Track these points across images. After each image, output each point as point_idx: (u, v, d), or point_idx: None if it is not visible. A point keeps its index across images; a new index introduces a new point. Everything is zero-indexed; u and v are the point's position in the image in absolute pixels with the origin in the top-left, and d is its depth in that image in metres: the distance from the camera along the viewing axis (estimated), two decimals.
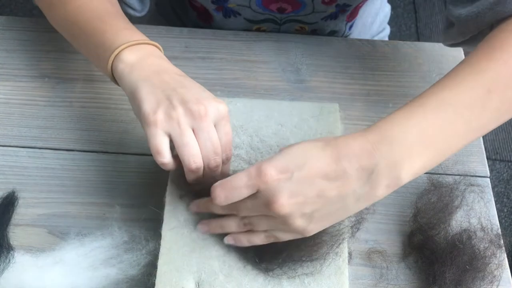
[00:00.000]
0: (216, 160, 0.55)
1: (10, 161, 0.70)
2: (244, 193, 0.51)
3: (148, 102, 0.54)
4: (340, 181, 0.49)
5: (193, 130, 0.54)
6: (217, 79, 0.79)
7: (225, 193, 0.51)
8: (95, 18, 0.64)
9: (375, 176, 0.49)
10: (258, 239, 0.55)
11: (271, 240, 0.54)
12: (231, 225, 0.56)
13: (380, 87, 0.79)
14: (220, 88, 0.78)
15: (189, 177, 0.56)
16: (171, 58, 0.81)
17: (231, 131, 0.56)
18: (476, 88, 0.52)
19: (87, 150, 0.72)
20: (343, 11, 0.86)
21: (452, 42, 0.70)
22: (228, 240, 0.56)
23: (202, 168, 0.55)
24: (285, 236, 0.53)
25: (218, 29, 0.86)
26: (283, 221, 0.51)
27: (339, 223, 0.57)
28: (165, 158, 0.54)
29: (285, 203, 0.49)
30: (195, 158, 0.54)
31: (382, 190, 0.50)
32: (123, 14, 0.67)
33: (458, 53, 0.84)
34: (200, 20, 0.91)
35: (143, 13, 0.77)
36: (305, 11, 0.84)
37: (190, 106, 0.54)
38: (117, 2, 0.70)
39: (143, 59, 0.58)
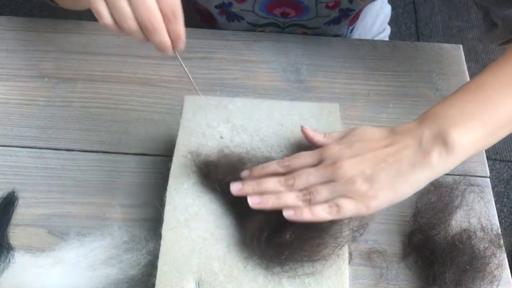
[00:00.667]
0: (152, 23, 0.53)
1: (10, 161, 0.70)
2: (308, 160, 0.55)
3: None
4: (395, 147, 0.53)
5: None
6: (217, 79, 0.79)
7: (289, 159, 0.56)
8: None
9: (425, 145, 0.53)
10: (322, 210, 0.52)
11: (334, 212, 0.53)
12: (289, 196, 0.54)
13: (380, 87, 0.80)
14: (220, 88, 0.78)
15: (136, 36, 0.54)
16: (171, 58, 0.81)
17: None
18: None
19: (87, 150, 0.72)
20: (346, 15, 0.86)
21: (501, 42, 0.70)
22: (288, 213, 0.53)
23: (138, 31, 0.53)
24: (348, 205, 0.52)
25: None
26: (345, 183, 0.53)
27: (342, 226, 0.57)
28: (104, 19, 0.53)
29: (347, 163, 0.53)
30: (126, 21, 0.52)
31: (435, 158, 0.52)
32: None
33: (458, 53, 0.84)
34: (204, 23, 0.91)
35: None
36: (309, 16, 0.84)
37: None
38: None
39: None
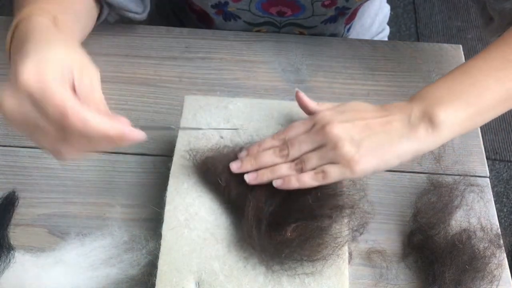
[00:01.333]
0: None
1: (11, 161, 0.70)
2: (301, 129, 0.58)
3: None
4: (384, 119, 0.56)
5: None
6: (217, 79, 0.79)
7: (283, 131, 0.59)
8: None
9: (413, 120, 0.55)
10: (308, 177, 0.55)
11: (320, 178, 0.55)
12: (282, 168, 0.57)
13: (380, 87, 0.80)
14: (220, 88, 0.78)
15: None
16: (171, 58, 0.82)
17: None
18: (506, 57, 0.59)
19: None
20: (342, 14, 0.86)
21: (498, 35, 0.70)
22: (277, 182, 0.56)
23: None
24: (334, 170, 0.55)
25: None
26: (333, 146, 0.55)
27: (342, 225, 0.57)
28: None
29: (336, 127, 0.55)
30: None
31: (422, 133, 0.55)
32: None
33: (458, 53, 0.84)
34: (200, 22, 0.91)
35: (144, 15, 0.76)
36: (305, 15, 0.84)
37: None
38: None
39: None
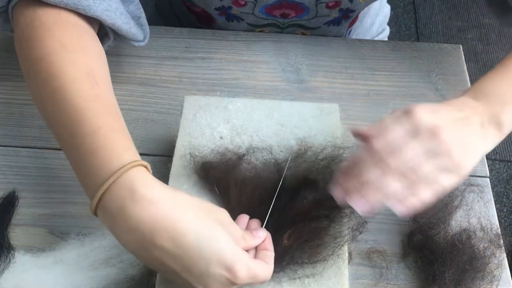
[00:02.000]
0: None
1: (11, 161, 0.70)
2: (400, 130, 0.50)
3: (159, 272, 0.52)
4: (467, 113, 0.53)
5: None
6: (217, 79, 0.79)
7: (381, 138, 0.51)
8: (67, 124, 0.54)
9: (485, 122, 0.54)
10: (426, 192, 0.50)
11: (440, 192, 0.51)
12: (392, 184, 0.49)
13: (380, 87, 0.80)
14: (220, 88, 0.78)
15: None
16: (171, 58, 0.82)
17: None
18: None
19: None
20: (346, 16, 0.86)
21: None
22: (400, 211, 0.50)
23: None
24: (450, 180, 0.51)
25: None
26: (446, 154, 0.50)
27: (341, 225, 0.57)
28: None
29: (445, 132, 0.50)
30: None
31: (491, 134, 0.55)
32: (97, 103, 0.55)
33: (458, 53, 0.84)
34: (200, 23, 0.91)
35: (145, 41, 0.74)
36: (308, 16, 0.84)
37: None
38: (101, 71, 0.59)
39: (126, 209, 0.48)
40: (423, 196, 0.50)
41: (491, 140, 0.55)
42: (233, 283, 0.48)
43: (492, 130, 0.55)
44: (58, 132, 0.55)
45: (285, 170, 0.60)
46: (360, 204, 0.51)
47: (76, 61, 0.57)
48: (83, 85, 0.55)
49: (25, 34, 0.59)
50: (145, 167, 0.52)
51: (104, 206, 0.50)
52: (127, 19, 0.67)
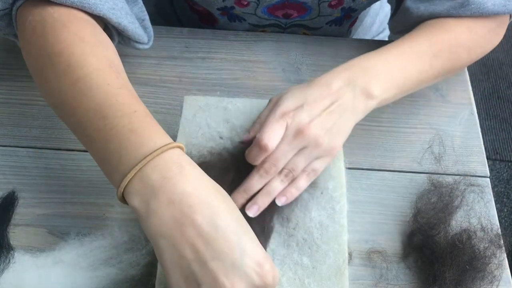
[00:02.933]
0: None
1: (10, 161, 0.70)
2: (279, 131, 0.57)
3: (174, 278, 0.47)
4: (339, 102, 0.59)
5: None
6: (217, 79, 0.79)
7: (266, 137, 0.57)
8: (94, 110, 0.53)
9: (356, 96, 0.61)
10: (303, 181, 0.58)
11: (312, 177, 0.59)
12: (276, 185, 0.57)
13: None
14: (220, 88, 0.78)
15: None
16: (171, 58, 0.82)
17: None
18: (425, 52, 0.67)
19: (87, 150, 0.71)
20: (348, 16, 0.86)
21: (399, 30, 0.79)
22: (281, 200, 0.58)
23: None
24: (320, 165, 0.59)
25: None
26: (315, 145, 0.57)
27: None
28: None
29: (311, 126, 0.57)
30: None
31: (362, 107, 0.61)
32: (127, 90, 0.56)
33: None
34: (202, 22, 0.91)
35: (150, 44, 0.74)
36: (311, 15, 0.84)
37: None
38: (120, 64, 0.60)
39: (159, 191, 0.48)
40: (300, 184, 0.58)
41: (362, 111, 0.61)
42: (258, 283, 0.46)
43: (362, 101, 0.61)
44: (83, 118, 0.53)
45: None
46: (253, 211, 0.57)
47: (97, 53, 0.57)
48: (109, 74, 0.55)
49: (37, 31, 0.58)
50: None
51: (143, 178, 0.48)
52: (132, 19, 0.67)
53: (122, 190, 0.50)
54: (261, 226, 0.58)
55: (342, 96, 0.60)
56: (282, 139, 0.57)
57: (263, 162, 0.57)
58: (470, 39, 0.70)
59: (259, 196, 0.57)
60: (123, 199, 0.51)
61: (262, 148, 0.56)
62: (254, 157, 0.57)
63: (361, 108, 0.61)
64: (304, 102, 0.59)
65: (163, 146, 0.49)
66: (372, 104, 0.62)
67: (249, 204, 0.57)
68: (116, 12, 0.62)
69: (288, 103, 0.59)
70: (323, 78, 0.61)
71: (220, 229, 0.46)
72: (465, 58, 0.71)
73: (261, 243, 0.49)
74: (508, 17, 0.74)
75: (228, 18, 0.86)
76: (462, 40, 0.69)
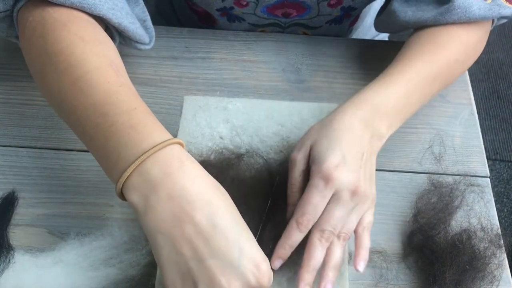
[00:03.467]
0: None
1: (10, 161, 0.70)
2: (322, 201, 0.55)
3: (170, 275, 0.47)
4: (364, 145, 0.59)
5: None
6: (217, 79, 0.79)
7: (304, 217, 0.55)
8: (94, 107, 0.53)
9: (374, 133, 0.60)
10: (366, 238, 0.58)
11: (370, 229, 0.58)
12: (338, 254, 0.55)
13: None
14: (220, 88, 0.78)
15: None
16: (171, 58, 0.81)
17: None
18: (427, 77, 0.66)
19: (87, 150, 0.71)
20: (347, 15, 0.86)
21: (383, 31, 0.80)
22: (361, 266, 0.56)
23: None
24: (372, 215, 0.59)
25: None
26: (365, 199, 0.57)
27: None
28: None
29: (362, 186, 0.56)
30: None
31: (376, 146, 0.61)
32: (126, 87, 0.56)
33: None
34: (202, 23, 0.91)
35: (151, 45, 0.73)
36: (310, 15, 0.84)
37: None
38: (120, 62, 0.60)
39: (159, 186, 0.47)
40: (366, 244, 0.57)
41: (376, 152, 0.61)
42: (254, 284, 0.46)
43: (378, 143, 0.61)
44: (83, 115, 0.53)
45: (276, 178, 0.61)
46: (330, 285, 0.55)
47: (97, 51, 0.56)
48: (109, 72, 0.55)
49: (37, 31, 0.58)
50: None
51: (142, 173, 0.48)
52: (133, 19, 0.66)
53: (121, 185, 0.49)
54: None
55: (368, 144, 0.59)
56: (337, 203, 0.55)
57: (321, 231, 0.55)
58: (464, 52, 0.70)
59: (329, 272, 0.55)
60: (122, 195, 0.50)
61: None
62: (294, 238, 0.55)
63: (377, 150, 0.61)
64: (344, 155, 0.57)
65: (163, 142, 0.49)
66: (382, 143, 0.62)
67: (323, 283, 0.54)
68: (116, 13, 0.62)
69: (329, 160, 0.56)
70: (344, 120, 0.59)
71: (219, 227, 0.46)
72: (459, 72, 0.72)
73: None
74: (491, 23, 0.74)
75: (227, 19, 0.86)
76: (457, 55, 0.69)
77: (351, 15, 0.86)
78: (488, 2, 0.68)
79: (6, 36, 0.67)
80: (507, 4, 0.69)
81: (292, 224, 0.55)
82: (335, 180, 0.55)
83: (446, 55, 0.68)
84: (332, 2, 0.81)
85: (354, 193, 0.55)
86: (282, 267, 0.56)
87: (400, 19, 0.72)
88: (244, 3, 0.80)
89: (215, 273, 0.45)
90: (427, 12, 0.69)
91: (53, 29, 0.57)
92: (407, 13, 0.71)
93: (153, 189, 0.47)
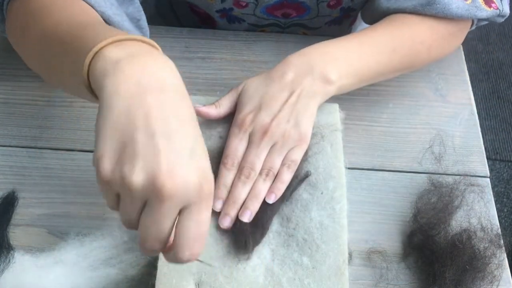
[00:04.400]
0: (153, 247, 0.42)
1: (10, 161, 0.70)
2: (241, 144, 0.61)
3: (107, 141, 0.40)
4: (294, 86, 0.62)
5: (144, 204, 0.41)
6: (217, 79, 0.79)
7: (229, 157, 0.61)
8: (77, 27, 0.51)
9: (316, 74, 0.63)
10: (286, 174, 0.60)
11: (293, 167, 0.60)
12: (260, 187, 0.59)
13: (380, 87, 0.79)
14: (220, 88, 0.78)
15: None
16: (171, 58, 0.81)
17: (206, 221, 0.42)
18: (386, 45, 0.69)
19: (87, 150, 0.72)
20: (347, 16, 0.86)
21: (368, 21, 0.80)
22: (270, 198, 0.59)
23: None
24: (297, 153, 0.61)
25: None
26: (284, 140, 0.60)
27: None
28: (114, 211, 0.44)
29: (273, 126, 0.60)
30: (130, 227, 0.43)
31: (321, 92, 0.63)
32: (103, 23, 0.56)
33: (458, 53, 0.84)
34: (202, 24, 0.91)
35: None
36: (310, 15, 0.84)
37: (154, 179, 0.39)
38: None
39: (133, 56, 0.42)
40: (284, 178, 0.60)
41: (322, 94, 0.63)
42: (194, 187, 0.40)
43: (321, 86, 0.63)
44: (59, 47, 0.51)
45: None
46: (247, 216, 0.58)
47: (77, 6, 0.58)
48: (88, 14, 0.57)
49: (20, 11, 0.60)
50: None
51: (105, 55, 0.43)
52: (118, 12, 0.65)
53: (87, 69, 0.44)
54: (259, 226, 0.58)
55: (299, 85, 0.62)
56: (250, 144, 0.60)
57: (241, 169, 0.60)
58: (431, 37, 0.72)
59: (248, 201, 0.59)
60: (90, 88, 0.45)
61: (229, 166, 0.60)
62: (225, 178, 0.60)
63: (320, 92, 0.63)
64: (261, 102, 0.62)
65: (132, 36, 0.45)
66: (330, 90, 0.63)
67: (241, 211, 0.58)
68: (99, 1, 0.60)
69: (245, 109, 0.62)
70: (278, 69, 0.64)
71: (183, 117, 0.41)
72: (424, 56, 0.73)
73: (256, 239, 0.56)
74: (470, 23, 0.76)
75: (227, 20, 0.86)
76: (423, 38, 0.71)
77: (351, 15, 0.86)
78: (468, 2, 0.71)
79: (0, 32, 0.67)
80: (485, 7, 0.72)
81: (220, 166, 0.61)
82: (246, 124, 0.61)
83: (410, 34, 0.71)
84: (331, 3, 0.81)
85: (264, 133, 0.60)
86: (283, 267, 0.56)
87: (381, 7, 0.73)
88: (244, 4, 0.80)
89: (160, 153, 0.39)
90: (408, 1, 0.71)
91: (39, 11, 0.57)
92: (389, 1, 0.72)
93: (118, 65, 0.42)
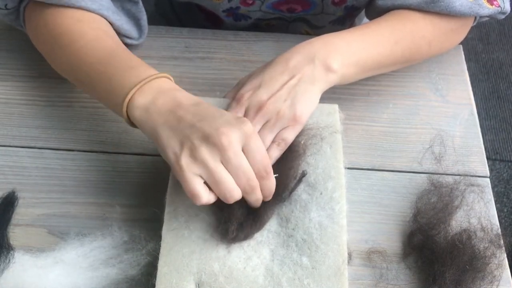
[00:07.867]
0: (251, 185, 0.55)
1: (10, 161, 0.70)
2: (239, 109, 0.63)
3: (170, 148, 0.55)
4: (295, 71, 0.63)
5: (222, 162, 0.53)
6: (217, 79, 0.79)
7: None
8: (98, 62, 0.64)
9: (318, 61, 0.64)
10: (274, 150, 0.61)
11: (283, 146, 0.61)
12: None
13: (380, 87, 0.79)
14: (220, 88, 0.78)
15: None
16: (171, 58, 0.82)
17: (262, 145, 0.55)
18: (388, 38, 0.70)
19: (87, 150, 0.72)
20: (350, 15, 0.86)
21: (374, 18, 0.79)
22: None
23: (241, 196, 0.55)
24: (290, 133, 0.61)
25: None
26: (277, 116, 0.61)
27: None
28: (203, 199, 0.54)
29: (268, 103, 0.61)
30: (230, 192, 0.54)
31: (323, 78, 0.64)
32: (125, 48, 0.67)
33: (458, 52, 0.84)
34: (207, 22, 0.91)
35: (140, 40, 0.77)
36: (315, 11, 0.85)
37: (212, 141, 0.53)
38: (116, 35, 0.71)
39: (156, 99, 0.58)
40: (272, 154, 0.61)
41: (324, 81, 0.64)
42: (236, 126, 0.54)
43: (323, 73, 0.64)
44: (90, 69, 0.64)
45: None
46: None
47: (93, 27, 0.68)
48: (105, 39, 0.67)
49: (40, 22, 0.70)
50: None
51: (141, 93, 0.59)
52: (119, 16, 0.71)
53: (126, 107, 0.59)
54: (258, 218, 0.58)
55: (301, 70, 0.63)
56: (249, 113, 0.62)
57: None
58: (432, 33, 0.73)
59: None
60: (129, 120, 0.60)
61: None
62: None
63: (321, 79, 0.63)
64: (262, 81, 0.63)
65: (155, 74, 0.61)
66: (333, 78, 0.64)
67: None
68: (103, 12, 0.69)
69: (245, 87, 0.64)
70: (282, 55, 0.65)
71: (202, 105, 0.57)
72: (425, 50, 0.74)
73: (255, 228, 0.58)
74: (473, 20, 0.77)
75: (233, 19, 0.86)
76: (424, 33, 0.72)
77: (354, 15, 0.87)
78: (471, 0, 0.71)
79: (14, 24, 0.76)
80: (487, 5, 0.73)
81: None
82: (244, 99, 0.63)
83: (412, 28, 0.72)
84: (336, 0, 0.81)
85: (258, 109, 0.61)
86: (282, 267, 0.56)
87: (386, 3, 0.74)
88: (250, 1, 0.81)
89: (204, 128, 0.54)
90: None
91: (53, 17, 0.68)
92: None
93: (152, 102, 0.58)
